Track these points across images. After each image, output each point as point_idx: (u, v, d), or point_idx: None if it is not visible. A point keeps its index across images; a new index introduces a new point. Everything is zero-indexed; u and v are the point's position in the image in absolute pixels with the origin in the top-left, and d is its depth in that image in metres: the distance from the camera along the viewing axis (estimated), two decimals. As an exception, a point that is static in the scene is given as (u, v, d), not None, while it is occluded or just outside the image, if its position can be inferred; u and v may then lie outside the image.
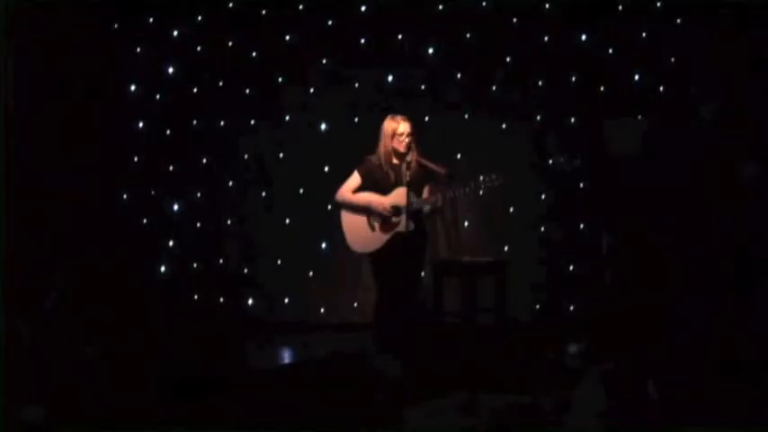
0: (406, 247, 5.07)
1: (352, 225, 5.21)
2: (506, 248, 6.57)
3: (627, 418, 2.39)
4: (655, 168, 6.04)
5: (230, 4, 6.70)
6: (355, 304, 6.68)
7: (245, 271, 6.83)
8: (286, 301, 6.80)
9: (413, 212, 5.03)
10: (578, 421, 2.49)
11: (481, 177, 5.10)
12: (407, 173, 5.02)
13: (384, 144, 5.13)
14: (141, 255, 6.62)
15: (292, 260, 6.78)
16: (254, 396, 3.77)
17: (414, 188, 5.07)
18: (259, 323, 6.59)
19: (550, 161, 6.58)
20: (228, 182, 6.85)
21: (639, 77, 6.45)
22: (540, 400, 3.74)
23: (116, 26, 6.63)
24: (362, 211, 5.18)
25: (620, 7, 6.40)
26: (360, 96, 6.69)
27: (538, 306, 6.55)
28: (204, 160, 6.83)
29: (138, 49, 6.70)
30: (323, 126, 6.75)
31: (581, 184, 6.55)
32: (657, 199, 6.01)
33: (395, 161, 5.15)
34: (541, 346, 5.32)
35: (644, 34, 6.42)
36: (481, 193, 5.16)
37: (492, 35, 6.55)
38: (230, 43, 6.74)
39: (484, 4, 6.55)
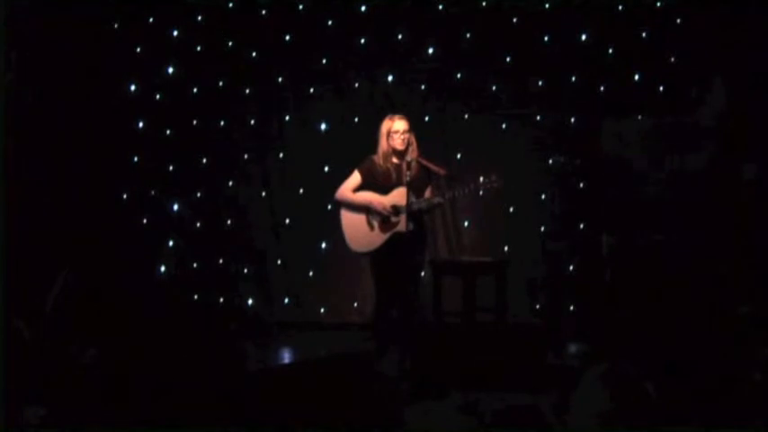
0: (404, 246, 5.07)
1: (352, 224, 5.21)
2: (506, 248, 6.57)
3: (627, 418, 2.39)
4: (654, 169, 6.04)
5: (230, 4, 6.71)
6: (355, 304, 6.69)
7: (245, 271, 6.84)
8: (286, 301, 6.80)
9: (412, 212, 5.04)
10: (578, 421, 2.49)
11: (481, 179, 5.11)
12: (408, 173, 5.02)
13: (381, 143, 5.14)
14: (141, 255, 6.62)
15: (292, 260, 6.79)
16: (254, 396, 3.77)
17: (414, 188, 5.07)
18: (259, 323, 6.60)
19: (550, 161, 6.59)
20: (228, 182, 6.86)
21: (639, 77, 6.45)
22: (540, 400, 3.74)
23: (116, 26, 6.63)
24: (362, 210, 5.18)
25: (621, 7, 6.40)
26: (360, 96, 6.69)
27: (538, 306, 6.55)
28: (204, 160, 6.83)
29: (139, 50, 6.70)
30: (323, 126, 6.76)
31: (581, 184, 6.55)
32: (657, 199, 6.01)
33: (395, 160, 5.15)
34: (541, 346, 5.32)
35: (644, 34, 6.43)
36: (481, 194, 5.18)
37: (492, 35, 6.55)
38: (230, 43, 6.74)
39: (484, 3, 6.56)
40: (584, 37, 6.51)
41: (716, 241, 5.73)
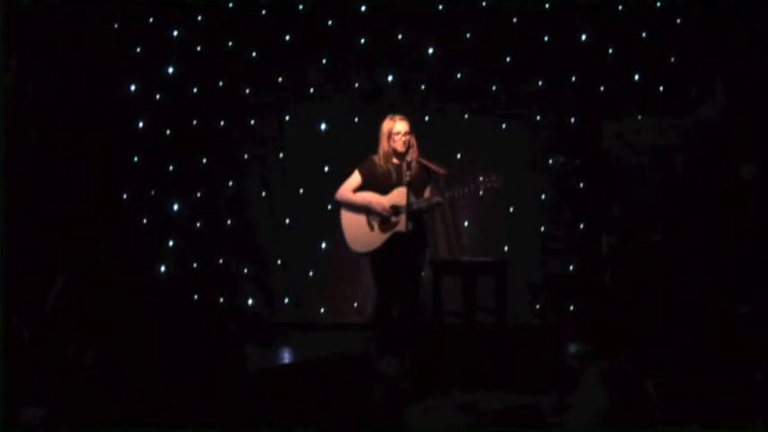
0: (405, 246, 5.08)
1: (352, 224, 5.22)
2: (506, 248, 6.57)
3: (627, 418, 2.39)
4: (655, 169, 6.04)
5: (230, 4, 6.70)
6: (355, 304, 6.69)
7: (245, 271, 6.84)
8: (286, 301, 6.80)
9: (412, 212, 5.04)
10: (578, 421, 2.49)
11: (481, 178, 5.12)
12: (408, 173, 5.03)
13: (382, 144, 5.15)
14: (141, 255, 6.62)
15: (292, 260, 6.79)
16: (254, 396, 3.77)
17: (414, 188, 5.07)
18: (259, 323, 6.60)
19: (550, 161, 6.59)
20: (228, 182, 6.86)
21: (639, 77, 6.45)
22: (540, 400, 3.74)
23: (116, 26, 6.63)
24: (362, 210, 5.19)
25: (621, 7, 6.41)
26: (360, 96, 6.69)
27: (538, 306, 6.55)
28: (204, 160, 6.83)
29: (139, 50, 6.69)
30: (323, 126, 6.76)
31: (581, 184, 6.55)
32: (657, 198, 6.01)
33: (395, 161, 5.15)
34: (541, 346, 5.33)
35: (644, 34, 6.43)
36: (481, 193, 5.18)
37: (492, 35, 6.56)
38: (230, 43, 6.74)
39: (484, 3, 6.56)
40: (584, 37, 6.52)
41: (716, 241, 5.72)
